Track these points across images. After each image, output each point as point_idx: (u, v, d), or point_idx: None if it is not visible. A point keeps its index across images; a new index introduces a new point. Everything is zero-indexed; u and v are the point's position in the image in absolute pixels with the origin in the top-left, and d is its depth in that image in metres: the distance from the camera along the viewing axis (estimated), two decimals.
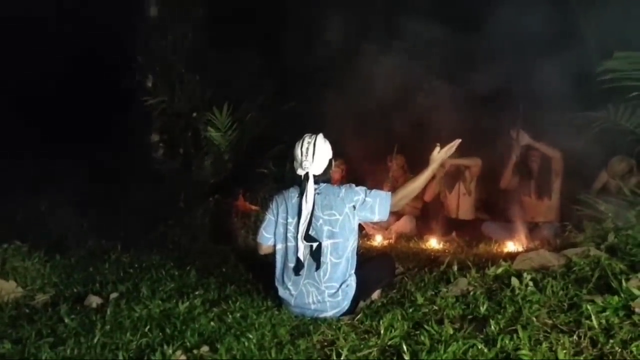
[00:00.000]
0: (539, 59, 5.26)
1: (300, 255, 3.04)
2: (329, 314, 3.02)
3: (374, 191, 3.13)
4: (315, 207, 3.05)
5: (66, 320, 2.90)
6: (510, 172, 5.56)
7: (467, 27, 5.84)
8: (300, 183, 3.12)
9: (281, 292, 3.14)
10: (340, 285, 3.04)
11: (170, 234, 5.28)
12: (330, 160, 3.19)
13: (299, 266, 3.04)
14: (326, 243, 3.04)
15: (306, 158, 3.09)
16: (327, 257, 3.03)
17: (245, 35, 6.79)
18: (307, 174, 3.08)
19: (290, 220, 3.12)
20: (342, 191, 3.09)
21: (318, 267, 3.02)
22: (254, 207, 6.05)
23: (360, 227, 5.83)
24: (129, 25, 7.06)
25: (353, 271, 3.12)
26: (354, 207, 3.09)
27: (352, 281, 3.09)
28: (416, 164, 6.36)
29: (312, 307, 3.03)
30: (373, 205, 3.09)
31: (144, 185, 6.38)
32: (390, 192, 3.18)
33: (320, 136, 3.18)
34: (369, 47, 6.58)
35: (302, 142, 3.15)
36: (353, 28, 6.66)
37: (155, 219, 5.66)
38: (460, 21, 6.02)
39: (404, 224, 5.94)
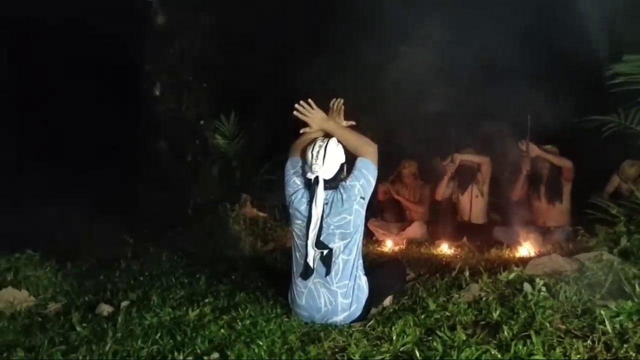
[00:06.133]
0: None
1: (310, 260, 2.97)
2: (339, 317, 2.98)
3: (357, 171, 3.04)
4: (325, 215, 2.98)
5: (78, 329, 2.92)
6: (521, 184, 5.60)
7: (473, 33, 5.83)
8: (309, 186, 3.05)
9: (292, 288, 3.10)
10: (353, 284, 2.99)
11: (179, 242, 5.28)
12: (342, 165, 3.08)
13: (307, 272, 2.98)
14: (339, 244, 2.98)
15: (316, 161, 3.00)
16: (338, 258, 2.98)
17: (253, 43, 6.81)
18: (317, 178, 2.99)
19: (299, 222, 3.06)
20: (344, 194, 2.99)
21: (328, 273, 2.97)
22: (261, 214, 6.07)
23: (370, 233, 5.86)
24: (136, 33, 7.11)
25: (362, 270, 3.06)
26: (362, 197, 3.01)
27: (364, 282, 3.04)
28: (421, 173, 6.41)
29: (323, 309, 2.98)
30: (368, 180, 3.03)
31: (152, 193, 6.40)
32: (362, 158, 3.07)
33: (333, 140, 3.09)
34: (376, 55, 6.57)
35: (314, 144, 3.06)
36: (360, 35, 6.65)
37: (164, 226, 5.67)
38: (467, 26, 6.02)
39: (415, 230, 5.90)
